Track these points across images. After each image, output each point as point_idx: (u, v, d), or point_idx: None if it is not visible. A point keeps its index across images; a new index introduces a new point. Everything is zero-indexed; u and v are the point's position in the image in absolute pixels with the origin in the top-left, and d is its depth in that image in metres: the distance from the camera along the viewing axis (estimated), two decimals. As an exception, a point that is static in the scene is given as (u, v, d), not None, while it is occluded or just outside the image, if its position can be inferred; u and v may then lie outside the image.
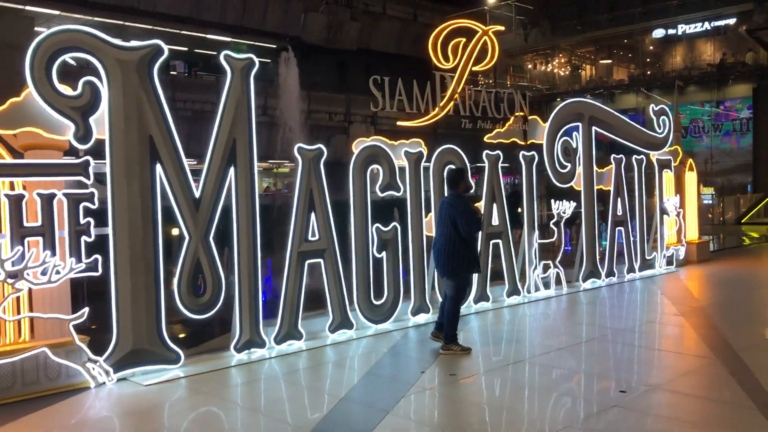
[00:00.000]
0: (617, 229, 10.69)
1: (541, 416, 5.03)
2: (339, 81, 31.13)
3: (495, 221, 8.75)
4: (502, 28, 10.26)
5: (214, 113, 6.27)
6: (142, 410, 5.13)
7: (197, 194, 5.99)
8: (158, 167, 5.78)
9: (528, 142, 9.67)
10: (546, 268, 9.56)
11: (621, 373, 6.02)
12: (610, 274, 10.57)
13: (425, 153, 7.96)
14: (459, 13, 25.05)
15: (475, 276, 8.13)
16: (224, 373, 6.01)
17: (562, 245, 10.20)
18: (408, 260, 7.78)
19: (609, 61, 36.75)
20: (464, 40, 8.65)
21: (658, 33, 33.03)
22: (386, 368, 6.18)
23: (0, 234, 5.21)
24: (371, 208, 7.43)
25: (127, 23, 25.93)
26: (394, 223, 7.65)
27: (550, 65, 37.46)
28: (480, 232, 8.00)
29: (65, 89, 5.41)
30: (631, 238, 10.98)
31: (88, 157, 5.46)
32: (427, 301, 7.94)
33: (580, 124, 10.23)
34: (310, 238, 6.80)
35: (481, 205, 8.54)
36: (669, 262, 11.95)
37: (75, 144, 5.49)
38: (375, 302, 7.47)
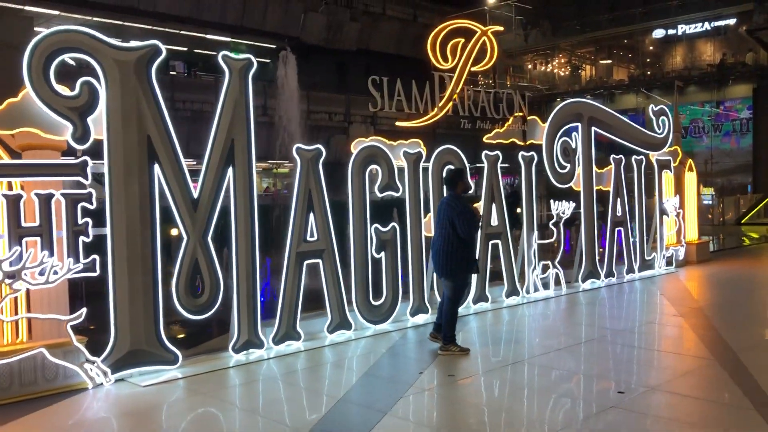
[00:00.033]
0: (617, 229, 10.69)
1: (540, 417, 5.02)
2: (339, 81, 31.14)
3: (494, 222, 8.74)
4: (501, 28, 10.25)
5: (213, 113, 6.27)
6: (140, 411, 5.13)
7: (195, 194, 5.99)
8: (156, 167, 5.78)
9: (527, 143, 9.67)
10: (545, 268, 9.55)
11: (620, 374, 6.01)
12: (609, 274, 10.56)
13: (424, 153, 7.96)
14: (459, 13, 25.05)
15: (474, 276, 8.13)
16: (222, 374, 6.01)
17: (562, 246, 10.18)
18: (407, 261, 7.77)
19: (609, 62, 36.75)
20: (463, 40, 8.64)
21: (658, 33, 33.03)
22: (385, 369, 6.18)
23: (-2, 234, 5.20)
24: (370, 208, 7.42)
25: (126, 23, 25.94)
26: (393, 224, 7.64)
27: (550, 65, 37.46)
28: (479, 233, 8.00)
29: (63, 89, 5.41)
30: (631, 239, 10.97)
31: (86, 158, 5.46)
32: (426, 301, 7.93)
33: (579, 125, 10.22)
34: (308, 238, 6.80)
35: (480, 205, 8.53)
36: (668, 263, 11.94)
37: (73, 144, 5.48)
38: (374, 303, 7.47)
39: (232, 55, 6.25)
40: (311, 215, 6.79)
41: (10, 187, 5.37)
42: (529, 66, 38.44)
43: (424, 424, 4.91)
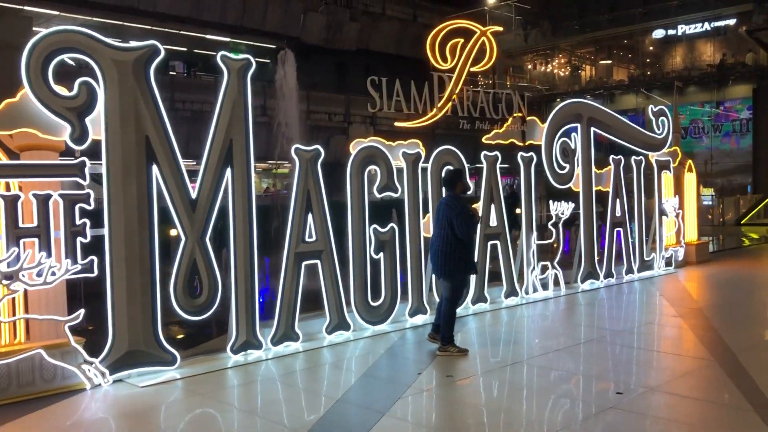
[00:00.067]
0: (616, 230, 10.68)
1: (538, 418, 5.01)
2: (338, 81, 31.13)
3: (493, 222, 8.74)
4: (501, 28, 10.23)
5: (211, 114, 6.27)
6: (138, 412, 5.12)
7: (194, 195, 5.98)
8: (154, 168, 5.77)
9: (526, 143, 9.66)
10: (544, 269, 9.54)
11: (619, 374, 6.00)
12: (608, 275, 10.56)
13: (423, 154, 7.95)
14: (459, 13, 25.04)
15: (472, 277, 8.12)
16: (221, 375, 6.00)
17: (561, 246, 10.18)
18: (405, 261, 7.76)
19: (609, 62, 36.74)
20: (462, 40, 8.63)
21: (658, 33, 33.01)
22: (383, 370, 6.17)
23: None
24: (370, 209, 7.41)
25: (126, 23, 25.93)
26: (391, 224, 7.63)
27: (549, 66, 37.45)
28: (477, 234, 7.99)
29: (61, 90, 5.40)
30: (630, 240, 10.97)
31: (84, 158, 5.45)
32: (425, 302, 7.92)
33: (578, 125, 10.22)
34: (307, 239, 6.79)
35: (479, 206, 8.52)
36: (668, 264, 11.93)
37: (71, 145, 5.48)
38: (372, 303, 7.46)
39: (231, 55, 6.24)
40: (310, 216, 6.79)
41: (7, 187, 5.37)
42: (529, 66, 38.43)
43: (423, 424, 4.91)
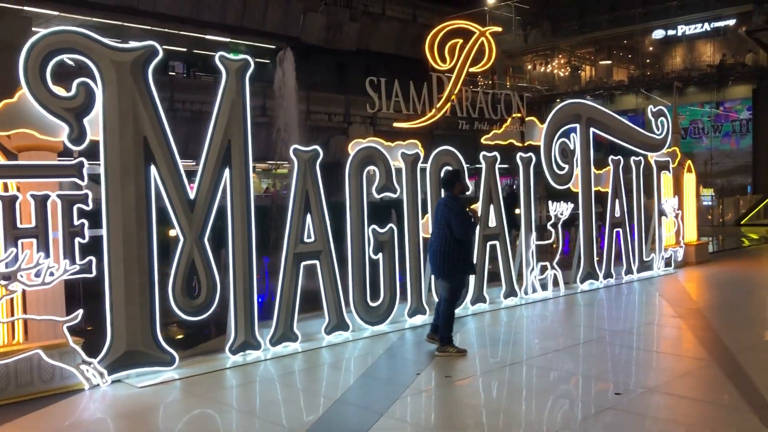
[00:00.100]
0: (615, 230, 10.67)
1: (537, 418, 5.01)
2: (338, 82, 31.14)
3: (492, 223, 8.73)
4: (500, 29, 10.23)
5: (210, 114, 6.26)
6: (137, 412, 5.12)
7: (192, 195, 5.98)
8: (153, 168, 5.77)
9: (525, 144, 9.65)
10: (543, 269, 9.54)
11: (618, 375, 6.00)
12: (607, 275, 10.55)
13: (422, 154, 7.95)
14: (458, 13, 25.04)
15: (471, 277, 8.12)
16: (219, 375, 6.00)
17: (560, 247, 10.18)
18: (404, 262, 7.76)
19: (609, 62, 36.74)
20: (461, 41, 8.63)
21: (658, 34, 33.01)
22: (382, 370, 6.17)
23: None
24: (370, 209, 7.41)
25: (126, 24, 25.93)
26: (390, 225, 7.63)
27: (549, 66, 37.45)
28: (476, 234, 7.98)
29: (59, 90, 5.39)
30: (629, 240, 10.96)
31: (82, 159, 5.44)
32: (424, 302, 7.92)
33: (577, 126, 10.21)
34: (305, 239, 6.79)
35: (478, 206, 8.52)
36: (667, 264, 11.93)
37: (69, 145, 5.47)
38: (371, 304, 7.46)
39: (229, 55, 6.24)
40: (308, 216, 6.78)
41: (6, 188, 5.36)
42: (529, 67, 38.44)
43: (421, 425, 4.90)
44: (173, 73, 27.23)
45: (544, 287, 9.54)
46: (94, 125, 5.54)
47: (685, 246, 12.50)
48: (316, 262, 6.88)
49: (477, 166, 8.90)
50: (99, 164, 5.58)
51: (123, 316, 5.64)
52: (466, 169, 8.10)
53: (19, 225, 5.20)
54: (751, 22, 28.28)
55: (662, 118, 11.57)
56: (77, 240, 5.35)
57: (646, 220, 11.47)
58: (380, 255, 7.47)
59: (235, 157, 6.21)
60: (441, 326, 6.62)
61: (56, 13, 24.29)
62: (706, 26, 31.23)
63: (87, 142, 5.50)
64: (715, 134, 31.20)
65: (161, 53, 5.78)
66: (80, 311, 5.36)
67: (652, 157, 11.53)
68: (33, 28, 19.90)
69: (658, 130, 11.54)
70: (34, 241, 5.24)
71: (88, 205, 5.41)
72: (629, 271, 11.01)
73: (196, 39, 28.27)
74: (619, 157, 10.80)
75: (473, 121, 8.86)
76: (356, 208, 7.30)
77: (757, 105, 29.75)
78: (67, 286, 5.71)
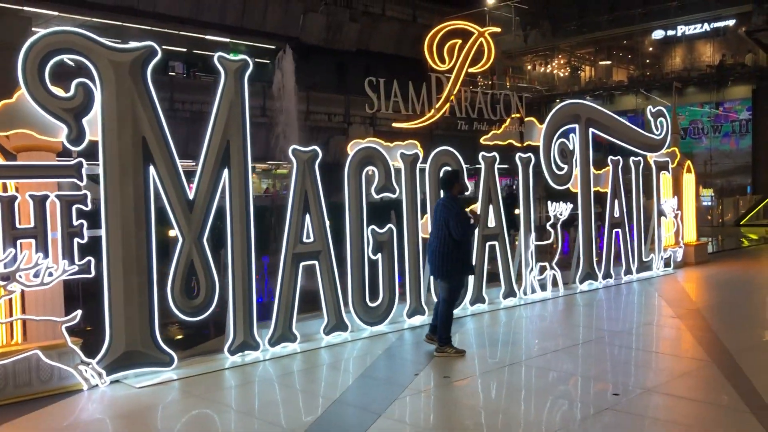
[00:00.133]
0: (614, 231, 10.68)
1: (536, 419, 5.00)
2: (338, 82, 31.15)
3: (491, 223, 8.73)
4: (498, 29, 10.24)
5: (209, 115, 6.26)
6: (135, 413, 5.12)
7: (191, 196, 5.98)
8: (151, 169, 5.77)
9: (525, 144, 9.66)
10: (542, 269, 9.54)
11: (617, 375, 6.00)
12: (607, 276, 10.55)
13: (421, 155, 7.95)
14: (458, 14, 25.04)
15: (470, 278, 8.12)
16: (218, 376, 6.00)
17: (560, 247, 10.18)
18: (404, 262, 7.76)
19: (608, 63, 36.75)
20: (460, 41, 8.63)
21: (658, 34, 33.03)
22: (380, 370, 6.17)
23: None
24: (369, 209, 7.41)
25: (126, 24, 25.94)
26: (389, 225, 7.63)
27: (549, 66, 37.46)
28: (475, 234, 7.97)
29: (58, 91, 5.39)
30: (629, 240, 10.96)
31: (81, 159, 5.44)
32: (423, 303, 7.92)
33: (576, 126, 10.21)
34: (304, 239, 6.79)
35: (477, 206, 8.52)
36: (666, 264, 11.93)
37: (68, 146, 5.47)
38: (370, 304, 7.46)
39: (228, 56, 6.24)
40: (307, 216, 6.78)
41: (4, 188, 5.36)
42: (529, 67, 38.45)
43: (420, 426, 4.90)
44: (173, 74, 27.24)
45: (543, 288, 9.54)
46: (93, 125, 5.54)
47: (684, 246, 12.51)
48: (315, 262, 6.88)
49: (476, 166, 8.90)
50: (98, 164, 5.58)
51: (122, 317, 5.64)
52: (465, 169, 8.10)
53: (17, 225, 5.20)
54: (751, 23, 28.29)
55: (661, 119, 11.57)
56: (76, 240, 5.35)
57: (646, 221, 11.47)
58: (379, 255, 7.47)
59: (234, 157, 6.21)
60: (439, 327, 6.62)
61: (56, 13, 24.30)
62: (706, 26, 31.26)
63: (86, 142, 5.50)
64: (714, 134, 31.21)
65: (160, 53, 5.78)
66: (79, 311, 5.35)
67: (652, 157, 11.54)
68: (33, 29, 19.90)
69: (657, 130, 11.54)
70: (33, 241, 5.24)
71: (87, 205, 5.41)
72: (628, 272, 11.02)
73: (196, 39, 28.28)
74: (619, 157, 10.81)
75: (472, 122, 8.86)
76: (355, 209, 7.30)
77: (756, 105, 29.76)
78: (66, 287, 5.71)
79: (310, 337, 7.02)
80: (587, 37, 34.93)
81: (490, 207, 8.74)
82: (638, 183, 11.19)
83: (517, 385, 5.83)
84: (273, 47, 27.59)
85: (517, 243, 9.45)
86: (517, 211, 9.44)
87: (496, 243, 8.78)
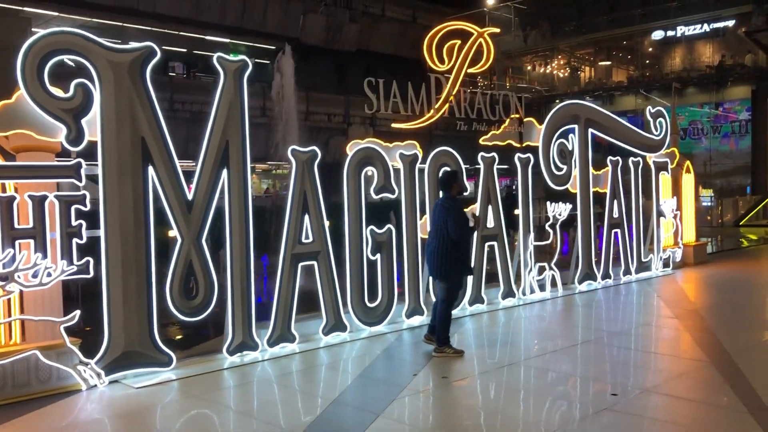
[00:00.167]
0: (613, 231, 10.68)
1: (535, 419, 5.00)
2: (338, 82, 31.18)
3: (490, 223, 8.74)
4: (498, 30, 10.26)
5: (208, 115, 6.27)
6: (134, 413, 5.12)
7: (190, 196, 5.98)
8: (150, 169, 5.77)
9: (524, 145, 9.66)
10: (541, 270, 9.55)
11: (616, 376, 6.00)
12: (605, 276, 10.56)
13: (420, 155, 7.96)
14: (458, 14, 25.07)
15: (469, 278, 8.12)
16: (216, 376, 6.00)
17: (559, 247, 10.18)
18: (402, 262, 7.76)
19: (608, 63, 36.78)
20: (459, 42, 8.64)
21: (658, 35, 33.07)
22: (379, 371, 6.17)
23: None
24: (369, 210, 7.41)
25: (126, 24, 25.95)
26: (388, 225, 7.63)
27: (549, 67, 37.48)
28: (474, 235, 7.97)
29: (57, 91, 5.40)
30: (628, 241, 10.97)
31: (80, 159, 5.45)
32: (422, 303, 7.92)
33: (576, 127, 10.22)
34: (303, 240, 6.79)
35: (476, 207, 8.53)
36: (666, 265, 11.93)
37: (67, 146, 5.48)
38: (369, 305, 7.46)
39: (227, 56, 6.25)
40: (306, 217, 6.79)
41: (3, 189, 5.37)
42: (528, 67, 38.48)
43: (418, 426, 4.91)
44: (173, 74, 27.27)
45: (542, 288, 9.55)
46: (92, 126, 5.54)
47: (683, 247, 12.51)
48: (314, 262, 6.88)
49: (475, 166, 8.91)
50: (97, 165, 5.58)
51: (120, 317, 5.64)
52: (464, 169, 8.10)
53: (16, 225, 5.20)
54: (751, 23, 28.32)
55: (661, 119, 11.58)
56: (75, 241, 5.35)
57: (645, 221, 11.47)
58: (378, 256, 7.47)
59: (233, 157, 6.21)
60: (438, 327, 6.62)
61: (56, 13, 24.32)
62: (706, 27, 31.29)
63: (85, 142, 5.50)
64: (714, 135, 31.25)
65: (159, 54, 5.77)
66: (77, 312, 5.35)
67: (651, 157, 11.55)
68: (32, 29, 19.92)
69: (656, 130, 11.55)
70: (32, 241, 5.24)
71: (85, 205, 5.42)
72: (627, 272, 11.02)
73: (196, 40, 28.31)
74: (618, 158, 10.82)
75: (471, 122, 8.87)
76: (354, 209, 7.30)
77: (756, 106, 29.79)
78: (65, 287, 5.72)
79: (308, 337, 7.02)
80: (587, 37, 34.96)
81: (489, 207, 8.74)
82: (637, 183, 11.20)
83: (515, 386, 5.84)
84: (273, 48, 27.61)
85: (516, 243, 9.45)
86: (516, 212, 9.45)
87: (495, 243, 8.78)
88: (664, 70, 33.72)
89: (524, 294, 9.31)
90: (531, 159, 9.37)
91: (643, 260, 11.42)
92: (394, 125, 8.49)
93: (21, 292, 5.33)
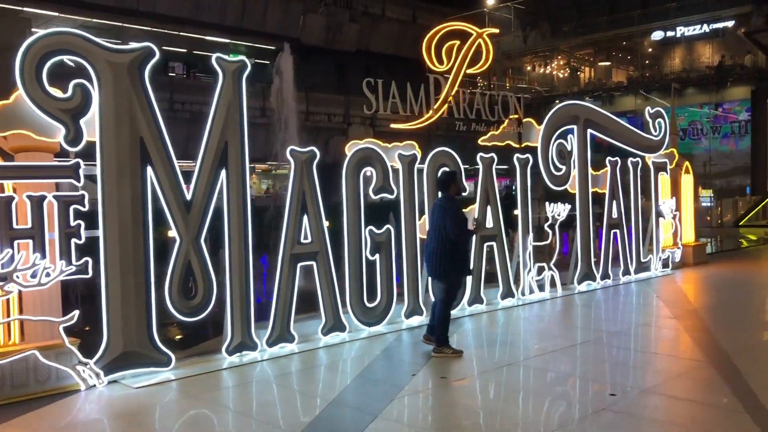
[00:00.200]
0: (612, 231, 10.68)
1: (534, 419, 5.00)
2: (338, 82, 31.15)
3: (489, 224, 8.74)
4: (497, 30, 10.25)
5: (207, 115, 6.27)
6: (133, 413, 5.12)
7: (188, 196, 5.98)
8: (149, 169, 5.77)
9: (523, 145, 9.66)
10: (540, 270, 9.55)
11: (615, 376, 6.01)
12: (605, 276, 10.56)
13: (419, 155, 7.96)
14: (458, 15, 25.06)
15: (468, 278, 8.12)
16: (215, 376, 6.00)
17: (558, 248, 10.18)
18: (401, 263, 7.76)
19: (608, 64, 36.79)
20: (458, 42, 8.64)
21: (657, 35, 33.09)
22: (378, 371, 6.17)
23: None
24: (368, 210, 7.41)
25: (126, 25, 25.94)
26: (387, 226, 7.64)
27: (548, 67, 37.49)
28: (473, 236, 7.97)
29: (55, 91, 5.40)
30: (627, 241, 10.97)
31: (79, 160, 5.45)
32: (421, 303, 7.92)
33: (575, 127, 10.22)
34: (302, 240, 6.79)
35: (475, 207, 8.53)
36: (665, 265, 11.94)
37: (66, 146, 5.48)
38: (368, 305, 7.46)
39: (226, 57, 6.25)
40: (305, 217, 6.79)
41: (2, 189, 5.37)
42: (528, 68, 38.49)
43: (417, 426, 4.91)
44: (173, 74, 27.25)
45: (541, 288, 9.55)
46: (91, 126, 5.54)
47: (682, 247, 12.52)
48: (313, 263, 6.88)
49: (474, 167, 8.91)
50: (95, 165, 5.58)
51: (119, 317, 5.64)
52: (463, 170, 8.10)
53: (15, 226, 5.20)
54: (750, 24, 28.34)
55: (660, 120, 11.59)
56: (73, 241, 5.35)
57: (644, 221, 11.48)
58: (377, 256, 7.47)
59: (232, 158, 6.21)
60: (437, 327, 6.62)
61: (56, 14, 24.31)
62: (705, 28, 31.31)
63: (83, 143, 5.50)
64: (713, 135, 31.27)
65: (158, 54, 5.77)
66: (76, 312, 5.35)
67: (650, 158, 11.55)
68: (32, 29, 19.92)
69: (655, 131, 11.55)
70: (31, 242, 5.24)
71: (84, 206, 5.42)
72: (627, 272, 11.03)
73: (195, 40, 28.29)
74: (617, 158, 10.82)
75: (470, 123, 8.88)
76: (353, 209, 7.30)
77: (755, 106, 29.81)
78: (64, 287, 5.71)
79: (308, 337, 7.02)
80: (586, 38, 34.98)
81: (488, 208, 8.74)
82: (636, 184, 11.20)
83: (514, 386, 5.84)
84: (273, 48, 27.60)
85: (515, 244, 9.45)
86: (515, 212, 9.45)
87: (494, 244, 8.78)
88: (663, 70, 33.74)
89: (523, 294, 9.31)
90: (530, 159, 9.37)
91: (643, 260, 11.43)
92: (393, 125, 8.49)
93: (20, 292, 5.33)
